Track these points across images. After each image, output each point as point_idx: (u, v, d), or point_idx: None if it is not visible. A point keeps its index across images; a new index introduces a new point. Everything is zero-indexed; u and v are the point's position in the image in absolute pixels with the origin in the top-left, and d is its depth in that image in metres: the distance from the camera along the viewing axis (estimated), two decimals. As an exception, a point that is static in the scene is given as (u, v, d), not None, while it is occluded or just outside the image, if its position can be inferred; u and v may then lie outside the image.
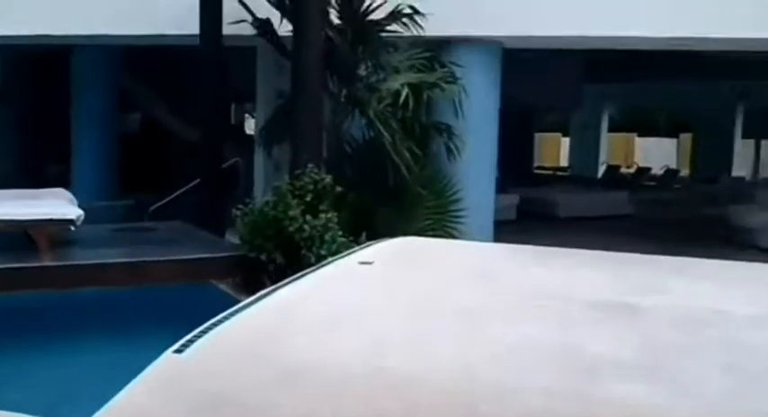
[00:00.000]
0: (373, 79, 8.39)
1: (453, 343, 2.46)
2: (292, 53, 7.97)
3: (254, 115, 11.93)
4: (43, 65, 16.93)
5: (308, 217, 6.98)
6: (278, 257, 7.18)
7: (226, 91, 11.07)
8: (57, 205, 7.21)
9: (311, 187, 7.27)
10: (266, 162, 10.21)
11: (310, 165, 7.38)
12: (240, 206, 7.51)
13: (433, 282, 3.59)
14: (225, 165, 11.22)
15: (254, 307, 3.45)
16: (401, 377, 2.19)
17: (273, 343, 2.79)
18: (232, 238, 8.49)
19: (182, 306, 7.09)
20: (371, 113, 8.06)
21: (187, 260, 7.23)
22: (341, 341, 2.61)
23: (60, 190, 8.12)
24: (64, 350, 6.39)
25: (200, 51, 9.49)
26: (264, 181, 10.67)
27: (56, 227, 7.01)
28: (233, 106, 20.41)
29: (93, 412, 1.82)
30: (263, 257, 7.19)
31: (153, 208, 11.59)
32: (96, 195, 14.22)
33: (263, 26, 8.61)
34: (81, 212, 7.09)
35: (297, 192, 7.25)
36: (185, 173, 11.45)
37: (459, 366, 2.25)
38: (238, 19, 8.70)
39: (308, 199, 7.20)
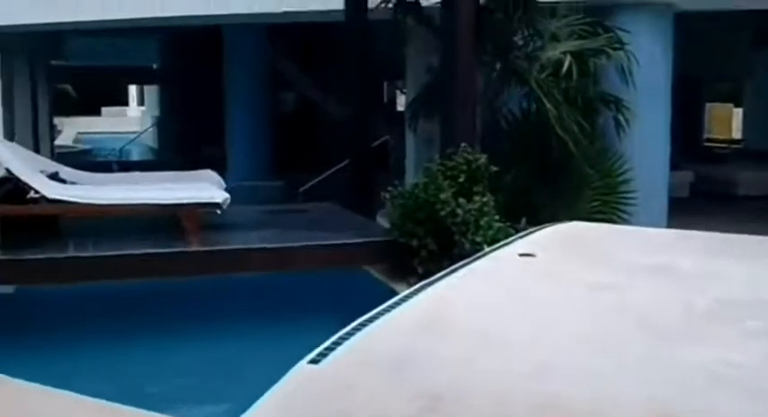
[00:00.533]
0: (530, 48, 7.69)
1: (636, 368, 1.86)
2: (442, 23, 7.41)
3: (405, 91, 11.50)
4: (196, 46, 17.22)
5: (462, 201, 6.43)
6: (430, 243, 6.70)
7: (375, 67, 10.67)
8: (203, 188, 7.02)
9: (464, 167, 6.71)
10: (417, 140, 9.72)
11: (463, 144, 6.82)
12: (390, 188, 7.07)
13: (606, 283, 2.93)
14: (375, 144, 10.86)
15: (398, 311, 2.95)
16: (572, 410, 1.64)
17: (422, 358, 2.27)
18: (383, 221, 8.10)
19: (332, 292, 6.78)
20: (533, 83, 7.39)
21: (336, 245, 6.87)
22: (498, 362, 2.10)
23: (207, 172, 7.97)
24: (215, 337, 6.20)
25: (346, 27, 9.11)
26: (415, 161, 10.21)
27: (202, 211, 6.82)
28: (385, 84, 20.10)
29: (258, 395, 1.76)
30: (414, 243, 6.72)
31: (303, 188, 11.42)
32: (249, 175, 14.30)
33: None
34: (227, 196, 6.86)
35: (448, 173, 6.72)
36: (337, 153, 11.17)
37: (646, 398, 1.67)
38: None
39: (461, 180, 6.65)
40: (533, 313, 2.50)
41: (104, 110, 38.81)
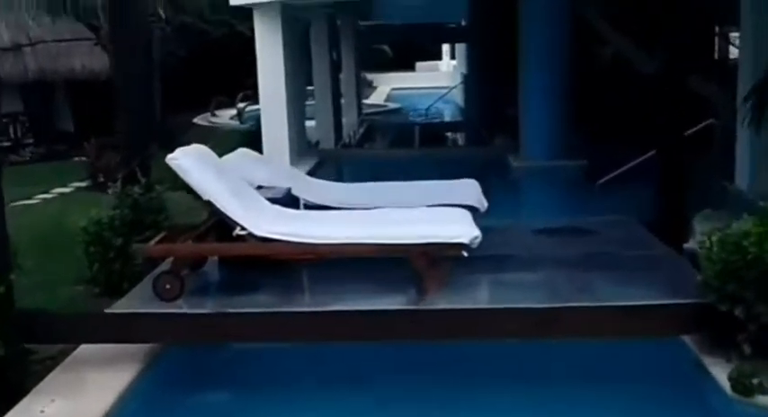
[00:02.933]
0: None
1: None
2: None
3: (740, 45, 8.51)
4: (502, 2, 15.40)
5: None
6: (763, 314, 4.55)
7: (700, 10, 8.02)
8: (448, 219, 5.40)
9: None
10: (755, 135, 7.06)
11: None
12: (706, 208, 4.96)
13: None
14: (692, 131, 8.42)
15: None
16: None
17: None
18: (695, 243, 5.92)
19: (624, 361, 4.97)
20: None
21: (626, 308, 4.89)
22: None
23: (468, 185, 6.32)
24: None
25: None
26: (752, 157, 7.66)
27: (443, 252, 5.20)
28: (716, 33, 16.52)
29: None
30: (739, 312, 4.59)
31: (602, 181, 9.27)
32: (545, 149, 12.37)
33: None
34: (476, 234, 5.16)
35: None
36: (654, 124, 8.81)
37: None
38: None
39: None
40: None
41: (418, 64, 38.57)
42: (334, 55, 17.98)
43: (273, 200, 5.72)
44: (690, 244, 6.46)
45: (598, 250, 6.10)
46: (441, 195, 6.14)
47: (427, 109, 26.25)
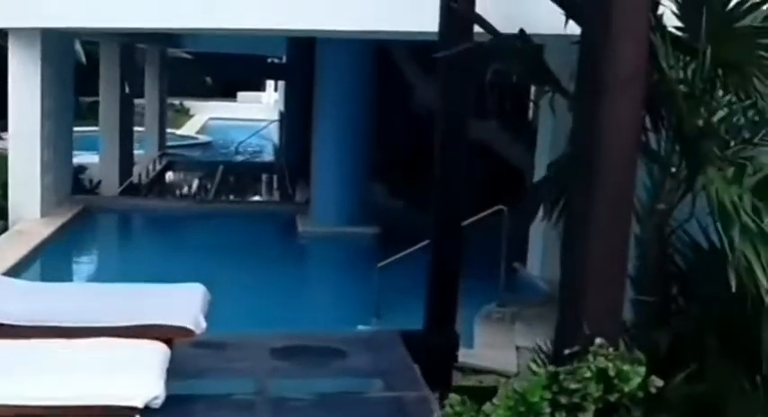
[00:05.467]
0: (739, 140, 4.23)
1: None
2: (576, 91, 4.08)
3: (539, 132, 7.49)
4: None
5: None
6: None
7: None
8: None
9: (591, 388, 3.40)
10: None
11: (598, 341, 3.51)
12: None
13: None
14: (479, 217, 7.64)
15: None
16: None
17: None
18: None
19: None
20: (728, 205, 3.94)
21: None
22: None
23: (185, 299, 5.00)
24: None
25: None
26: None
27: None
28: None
29: None
30: None
31: (382, 264, 8.22)
32: (337, 212, 11.28)
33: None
34: (158, 393, 3.84)
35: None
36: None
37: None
38: None
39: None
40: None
41: (240, 94, 37.09)
42: (126, 85, 16.29)
43: None
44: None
45: (337, 387, 4.95)
46: (146, 308, 4.79)
47: (237, 145, 24.82)
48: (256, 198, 18.54)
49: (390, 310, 7.99)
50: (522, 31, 4.63)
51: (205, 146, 25.64)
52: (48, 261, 9.77)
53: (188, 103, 34.50)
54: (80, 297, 5.03)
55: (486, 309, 7.62)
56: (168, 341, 4.75)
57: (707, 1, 4.05)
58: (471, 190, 9.85)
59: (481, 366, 6.27)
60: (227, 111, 34.25)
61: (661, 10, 4.21)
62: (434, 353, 5.81)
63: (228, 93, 36.84)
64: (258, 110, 32.68)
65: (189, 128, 29.49)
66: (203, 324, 4.82)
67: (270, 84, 36.31)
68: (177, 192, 19.08)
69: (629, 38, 3.69)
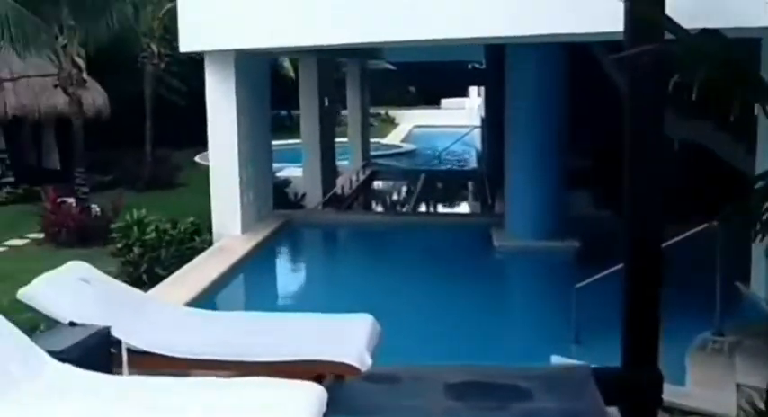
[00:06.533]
0: None
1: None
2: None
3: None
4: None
5: None
6: None
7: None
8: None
9: None
10: None
11: None
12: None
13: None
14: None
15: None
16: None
17: None
18: None
19: None
20: None
21: None
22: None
23: (351, 333, 4.66)
24: None
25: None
26: None
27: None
28: None
29: None
30: None
31: (581, 285, 7.50)
32: (533, 225, 10.62)
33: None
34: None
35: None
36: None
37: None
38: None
39: None
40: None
41: (444, 101, 37.08)
42: (326, 98, 16.54)
43: (66, 352, 4.12)
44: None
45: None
46: (310, 342, 4.52)
47: (440, 153, 24.62)
48: (456, 208, 18.19)
49: (592, 337, 7.30)
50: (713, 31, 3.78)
51: (409, 154, 25.68)
52: (245, 277, 9.94)
53: (393, 112, 34.98)
54: (242, 329, 4.87)
55: (701, 339, 6.69)
56: (340, 377, 4.55)
57: None
58: (685, 198, 8.90)
59: (693, 407, 5.45)
60: (431, 119, 34.33)
61: None
62: (635, 393, 5.13)
63: (432, 101, 36.99)
64: (461, 117, 32.43)
65: (394, 137, 29.75)
66: (368, 361, 4.50)
67: (473, 89, 36.00)
68: (380, 202, 19.19)
69: None
